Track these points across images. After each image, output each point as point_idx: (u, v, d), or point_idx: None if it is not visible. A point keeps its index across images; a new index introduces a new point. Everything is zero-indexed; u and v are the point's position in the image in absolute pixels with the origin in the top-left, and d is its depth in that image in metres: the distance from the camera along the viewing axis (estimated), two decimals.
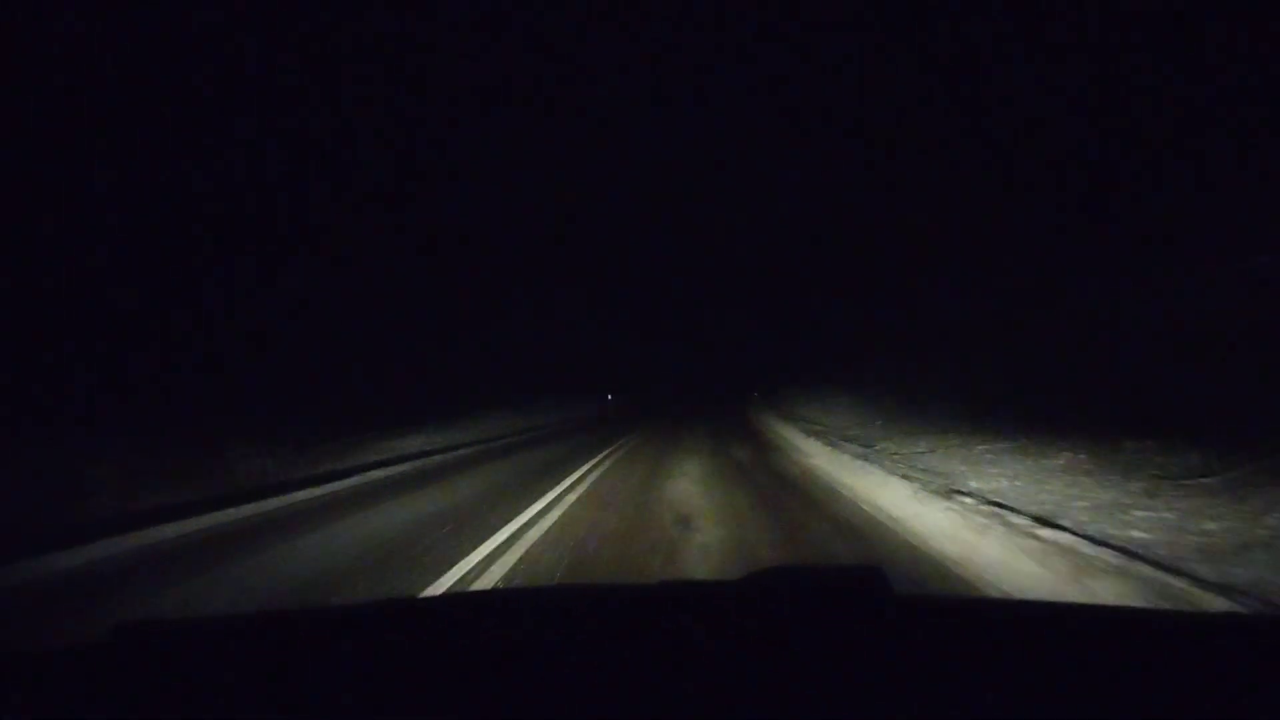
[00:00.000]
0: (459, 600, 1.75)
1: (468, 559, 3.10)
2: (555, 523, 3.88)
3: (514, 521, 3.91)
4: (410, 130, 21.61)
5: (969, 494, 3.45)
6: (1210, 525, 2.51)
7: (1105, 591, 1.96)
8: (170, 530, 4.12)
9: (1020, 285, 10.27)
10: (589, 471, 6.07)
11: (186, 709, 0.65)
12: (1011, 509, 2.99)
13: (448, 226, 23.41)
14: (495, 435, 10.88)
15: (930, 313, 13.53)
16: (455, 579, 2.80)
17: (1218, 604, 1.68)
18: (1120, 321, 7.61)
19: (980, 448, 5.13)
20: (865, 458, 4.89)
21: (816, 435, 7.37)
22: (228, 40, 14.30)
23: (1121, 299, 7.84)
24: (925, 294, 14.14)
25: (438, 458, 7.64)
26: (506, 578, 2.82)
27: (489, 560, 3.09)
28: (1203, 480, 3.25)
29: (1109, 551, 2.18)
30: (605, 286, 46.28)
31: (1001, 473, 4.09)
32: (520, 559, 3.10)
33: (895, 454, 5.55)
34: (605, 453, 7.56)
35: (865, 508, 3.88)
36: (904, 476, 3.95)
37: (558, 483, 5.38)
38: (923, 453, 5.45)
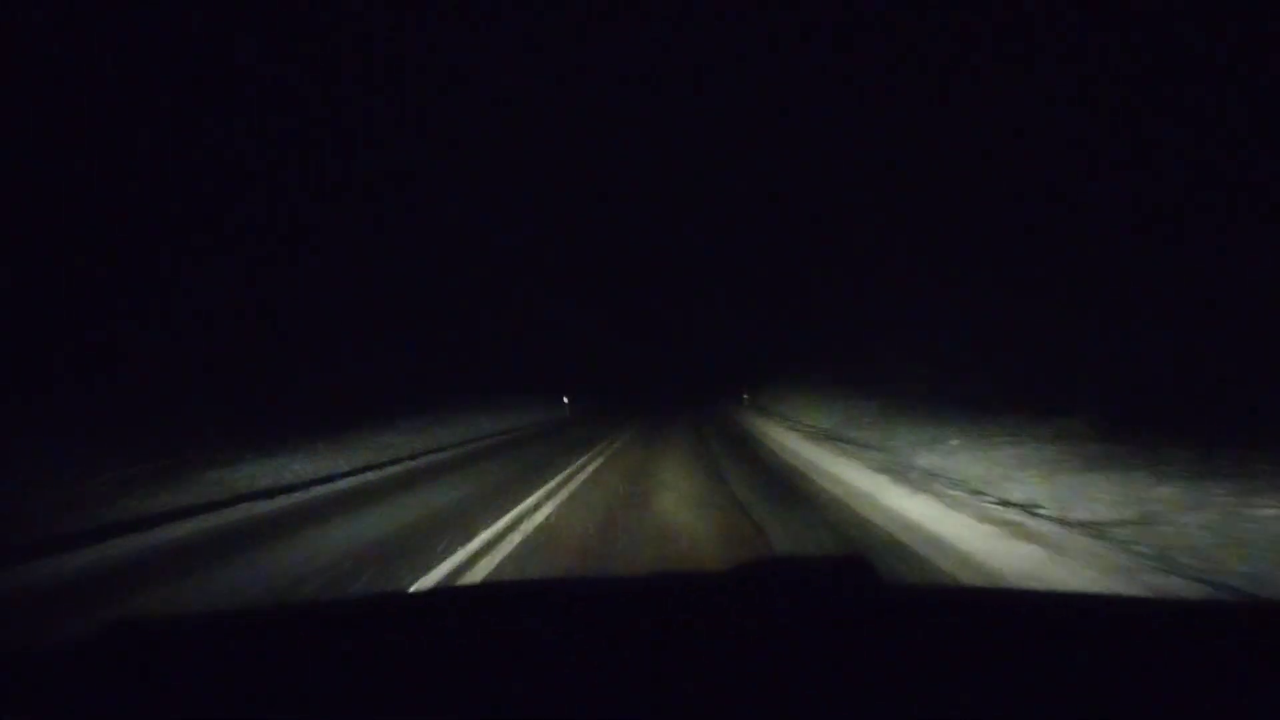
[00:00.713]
0: (453, 594, 1.77)
1: None
2: None
3: None
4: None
5: None
6: None
7: None
8: None
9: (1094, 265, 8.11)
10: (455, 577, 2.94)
11: (180, 706, 0.62)
12: None
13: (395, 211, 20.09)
14: (379, 462, 7.84)
15: (967, 301, 11.24)
16: None
17: None
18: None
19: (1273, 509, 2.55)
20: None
21: (925, 488, 4.66)
22: (223, 38, 13.44)
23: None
24: (952, 283, 11.91)
25: (233, 511, 4.68)
26: None
27: None
28: None
29: None
30: (580, 280, 42.79)
31: None
32: None
33: (1122, 535, 2.91)
34: (519, 511, 4.31)
35: None
36: None
37: None
38: (1165, 528, 2.84)
